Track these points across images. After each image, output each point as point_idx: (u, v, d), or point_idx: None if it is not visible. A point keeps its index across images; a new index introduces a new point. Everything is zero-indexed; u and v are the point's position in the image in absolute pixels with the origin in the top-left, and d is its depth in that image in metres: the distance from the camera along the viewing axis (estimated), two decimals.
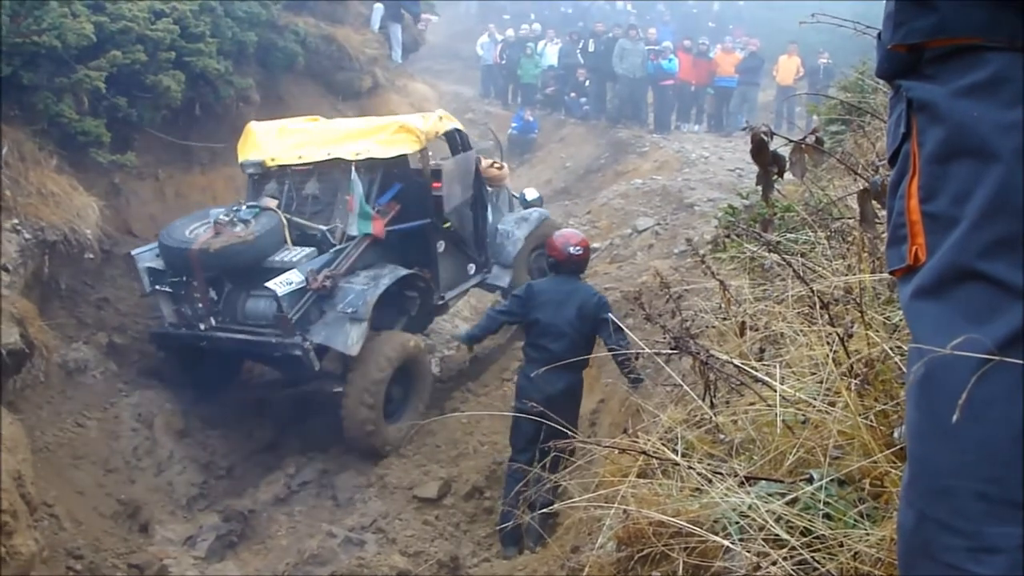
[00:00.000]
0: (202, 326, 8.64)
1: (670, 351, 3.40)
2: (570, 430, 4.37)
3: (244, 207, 8.99)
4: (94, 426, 8.30)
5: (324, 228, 8.90)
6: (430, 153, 9.46)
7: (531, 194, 11.72)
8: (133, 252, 8.99)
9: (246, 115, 12.21)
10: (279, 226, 8.77)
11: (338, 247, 8.78)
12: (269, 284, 8.18)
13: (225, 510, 8.15)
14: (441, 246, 9.55)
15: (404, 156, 9.36)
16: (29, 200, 8.64)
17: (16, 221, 8.31)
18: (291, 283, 8.26)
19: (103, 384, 8.78)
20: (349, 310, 8.37)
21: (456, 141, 9.96)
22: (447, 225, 9.53)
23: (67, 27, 8.99)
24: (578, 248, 7.31)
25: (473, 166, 9.98)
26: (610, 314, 6.81)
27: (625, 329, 6.33)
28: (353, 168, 8.92)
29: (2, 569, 5.75)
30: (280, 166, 9.27)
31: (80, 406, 8.38)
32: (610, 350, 6.65)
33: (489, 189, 10.70)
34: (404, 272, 9.04)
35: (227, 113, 12.02)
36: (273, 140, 9.48)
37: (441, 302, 9.70)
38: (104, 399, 8.64)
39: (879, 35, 1.38)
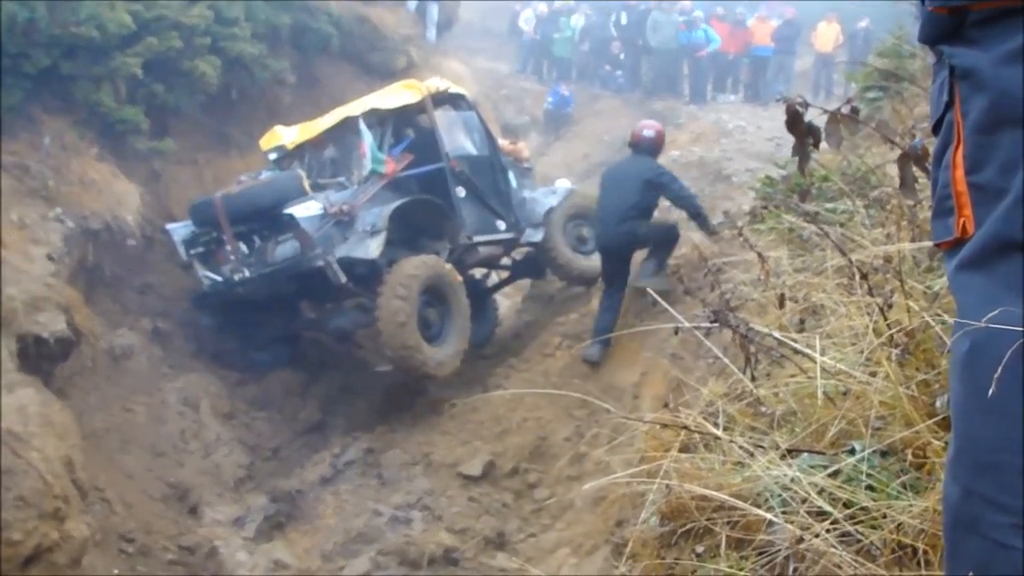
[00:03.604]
0: (236, 276, 8.95)
1: (710, 324, 3.39)
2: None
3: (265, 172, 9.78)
4: (141, 410, 8.43)
5: (341, 179, 9.41)
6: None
7: (563, 185, 11.69)
8: (168, 226, 9.44)
9: (282, 98, 12.29)
10: (297, 176, 9.11)
11: (355, 188, 9.19)
12: (288, 209, 8.63)
13: (272, 491, 8.25)
14: (461, 192, 9.88)
15: (415, 114, 10.02)
16: (71, 189, 8.77)
17: (59, 210, 8.43)
18: (309, 209, 8.74)
19: (149, 369, 8.91)
20: (368, 228, 8.84)
21: (460, 105, 10.54)
22: (457, 169, 9.89)
23: (105, 17, 9.08)
24: (649, 131, 8.96)
25: (480, 127, 10.46)
26: (667, 177, 8.70)
27: (681, 182, 8.84)
28: (360, 120, 9.32)
29: (57, 553, 5.87)
30: (299, 145, 9.77)
31: (127, 391, 8.50)
32: (680, 206, 8.76)
33: (522, 165, 11.07)
34: (420, 196, 9.47)
35: (263, 96, 12.10)
36: (293, 131, 9.92)
37: (469, 241, 9.90)
38: (150, 383, 8.76)
39: None
